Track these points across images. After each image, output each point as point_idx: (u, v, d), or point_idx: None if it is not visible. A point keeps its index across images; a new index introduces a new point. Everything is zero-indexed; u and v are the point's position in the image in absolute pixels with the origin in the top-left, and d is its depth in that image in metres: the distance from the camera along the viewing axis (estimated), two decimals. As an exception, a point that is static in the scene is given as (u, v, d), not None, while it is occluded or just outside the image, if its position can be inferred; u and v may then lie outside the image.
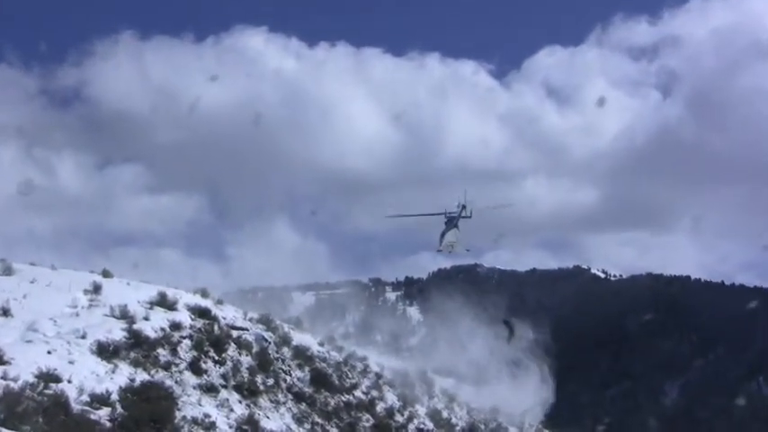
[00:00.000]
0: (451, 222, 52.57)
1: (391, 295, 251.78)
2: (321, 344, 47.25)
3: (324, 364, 43.67)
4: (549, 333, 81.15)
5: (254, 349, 39.45)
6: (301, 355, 42.61)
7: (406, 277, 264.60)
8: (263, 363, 38.47)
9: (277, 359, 40.53)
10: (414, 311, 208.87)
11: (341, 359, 46.37)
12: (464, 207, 51.74)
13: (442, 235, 53.45)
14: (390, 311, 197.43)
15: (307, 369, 41.67)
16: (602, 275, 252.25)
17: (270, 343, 41.58)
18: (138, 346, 31.98)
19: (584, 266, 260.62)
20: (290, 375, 40.05)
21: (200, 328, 37.41)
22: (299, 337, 45.19)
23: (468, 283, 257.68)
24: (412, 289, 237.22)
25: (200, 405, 31.03)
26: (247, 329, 41.42)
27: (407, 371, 52.83)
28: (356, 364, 47.32)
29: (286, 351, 42.23)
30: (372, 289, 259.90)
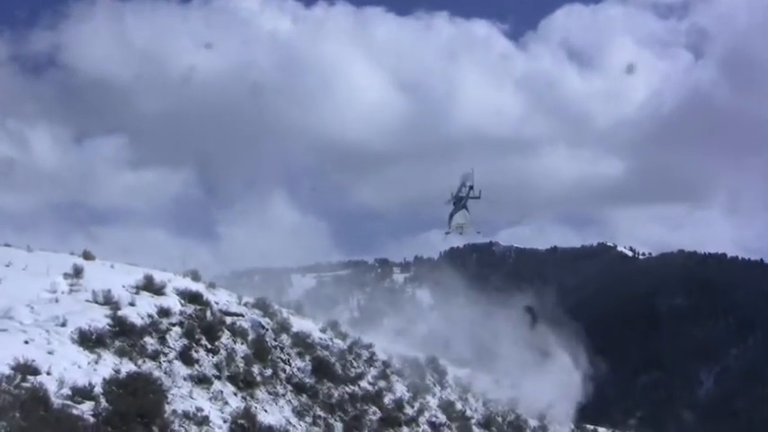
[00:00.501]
0: (459, 203, 53.38)
1: (399, 277, 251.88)
2: (323, 330, 47.26)
3: (326, 353, 43.71)
4: (572, 316, 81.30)
5: (250, 337, 39.51)
6: (301, 342, 42.70)
7: (416, 257, 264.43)
8: (260, 351, 38.53)
9: (275, 347, 40.63)
10: (424, 294, 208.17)
11: (345, 347, 46.41)
12: (471, 187, 52.56)
13: (451, 216, 54.25)
14: (398, 294, 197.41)
15: (307, 358, 41.75)
16: (630, 253, 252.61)
17: (267, 330, 41.60)
18: (123, 335, 31.96)
19: (610, 244, 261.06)
20: (290, 365, 40.19)
21: (190, 315, 37.48)
22: (298, 323, 45.17)
23: (484, 262, 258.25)
24: (422, 270, 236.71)
25: (192, 398, 31.09)
26: (242, 315, 41.45)
27: (417, 359, 52.87)
28: (361, 352, 47.34)
29: (285, 338, 42.33)
30: (379, 270, 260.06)
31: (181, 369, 32.85)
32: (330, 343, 45.62)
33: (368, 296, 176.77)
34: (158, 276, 39.56)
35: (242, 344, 38.27)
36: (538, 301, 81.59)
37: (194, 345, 35.23)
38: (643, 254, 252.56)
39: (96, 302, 34.06)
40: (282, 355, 40.51)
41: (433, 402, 47.92)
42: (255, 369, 36.87)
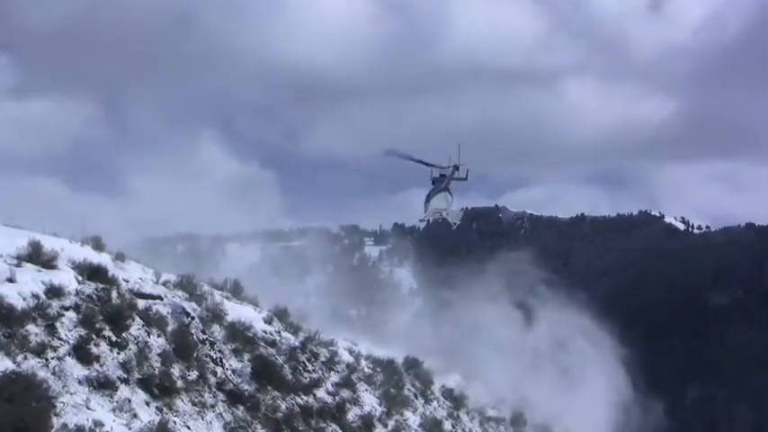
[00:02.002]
0: (440, 183, 54.88)
1: (373, 250, 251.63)
2: (268, 321, 47.23)
3: (272, 351, 43.70)
4: (603, 309, 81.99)
5: (170, 327, 39.48)
6: (239, 336, 42.65)
7: (395, 225, 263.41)
8: (183, 347, 38.49)
9: (203, 342, 40.51)
10: (405, 274, 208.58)
11: (297, 344, 46.29)
12: (457, 167, 54.14)
13: (428, 198, 56.45)
14: (371, 274, 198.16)
15: (246, 357, 41.78)
16: (681, 226, 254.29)
17: (193, 318, 41.50)
18: (-3, 321, 31.60)
19: (655, 213, 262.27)
20: (222, 366, 40.12)
21: (90, 296, 37.25)
22: (235, 311, 45.06)
23: (486, 233, 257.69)
24: (402, 242, 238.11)
25: (89, 408, 30.91)
26: (160, 298, 41.37)
27: (394, 362, 53.02)
28: (319, 350, 47.37)
29: (217, 330, 42.21)
30: (345, 241, 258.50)
31: (75, 369, 32.61)
32: (277, 338, 45.62)
33: (330, 276, 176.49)
34: (48, 243, 39.12)
35: (159, 336, 38.19)
36: (557, 288, 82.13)
37: (94, 336, 34.99)
38: (699, 227, 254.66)
39: (-39, 276, 33.54)
40: (213, 353, 40.38)
41: (413, 420, 47.99)
42: (176, 371, 36.79)
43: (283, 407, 40.23)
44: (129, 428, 31.17)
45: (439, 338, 64.31)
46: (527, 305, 69.08)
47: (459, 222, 59.25)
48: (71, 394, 30.85)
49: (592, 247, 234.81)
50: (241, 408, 38.11)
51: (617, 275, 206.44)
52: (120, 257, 43.79)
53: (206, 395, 37.25)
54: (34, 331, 32.86)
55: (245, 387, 39.58)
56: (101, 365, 33.83)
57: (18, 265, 36.59)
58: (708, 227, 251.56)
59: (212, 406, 36.92)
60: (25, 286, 34.86)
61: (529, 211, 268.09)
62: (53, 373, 31.23)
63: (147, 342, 37.19)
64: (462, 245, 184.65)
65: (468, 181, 55.29)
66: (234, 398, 38.35)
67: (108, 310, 36.84)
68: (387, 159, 55.86)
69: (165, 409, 34.28)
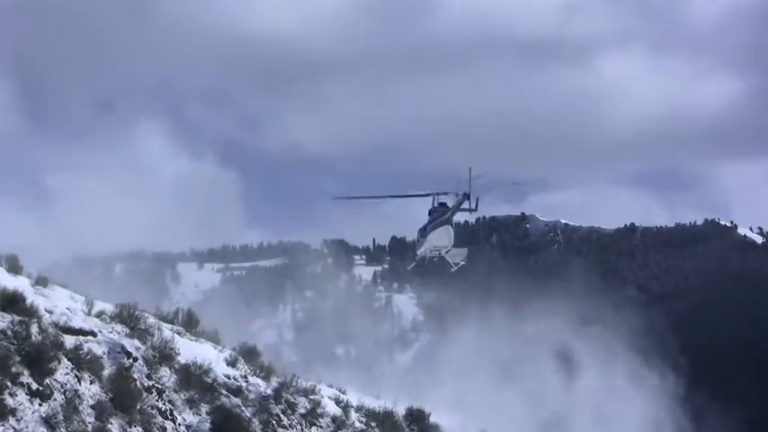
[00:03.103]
0: (441, 215, 54.64)
1: (364, 271, 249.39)
2: (232, 362, 47.30)
3: (237, 400, 43.70)
4: (662, 338, 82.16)
5: (107, 371, 39.38)
6: (195, 382, 42.71)
7: (393, 239, 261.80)
8: (123, 396, 38.30)
9: (149, 390, 40.40)
10: (406, 302, 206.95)
11: (269, 391, 46.29)
12: (467, 196, 53.26)
13: (423, 232, 55.61)
14: (363, 301, 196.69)
15: (205, 409, 41.82)
16: (760, 239, 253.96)
17: (136, 359, 41.43)
18: None
19: (726, 222, 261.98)
20: (174, 420, 40.09)
21: (3, 331, 37.10)
22: (191, 350, 45.19)
23: (510, 248, 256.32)
24: (402, 260, 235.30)
25: (2, 478, 30.82)
26: (94, 334, 41.23)
27: (393, 414, 52.45)
28: (297, 400, 47.30)
29: (166, 375, 42.22)
30: (330, 260, 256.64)
31: (-16, 425, 32.20)
32: (243, 384, 45.76)
33: (310, 304, 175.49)
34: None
35: (92, 383, 38.09)
36: (602, 323, 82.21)
37: (9, 384, 34.88)
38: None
39: None
40: (161, 404, 40.27)
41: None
42: (114, 427, 36.66)
43: (252, 472, 39.74)
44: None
45: (451, 385, 64.05)
46: (566, 349, 68.88)
47: (462, 263, 57.94)
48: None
49: (647, 264, 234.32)
50: (197, 473, 37.64)
51: (678, 302, 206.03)
52: (41, 282, 43.71)
53: (154, 457, 36.75)
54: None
55: (203, 447, 38.84)
56: (18, 421, 33.66)
57: None
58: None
59: (162, 471, 36.54)
60: None
61: (563, 221, 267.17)
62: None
63: (76, 390, 36.96)
64: (481, 264, 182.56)
65: (476, 212, 54.54)
66: (189, 460, 37.89)
67: (27, 350, 36.53)
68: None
69: (100, 476, 34.43)
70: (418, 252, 55.36)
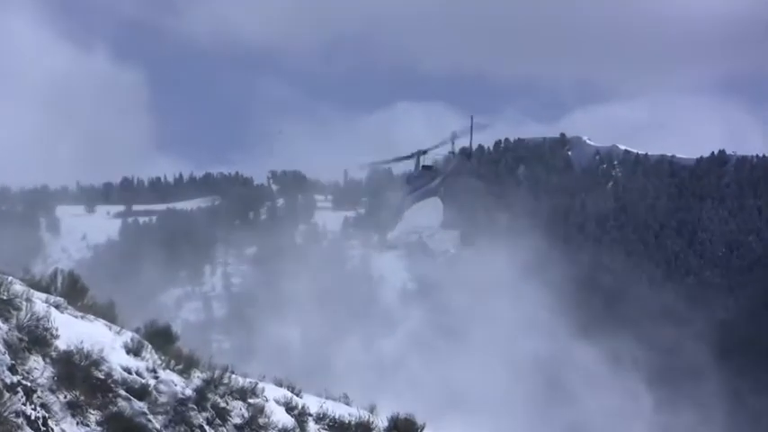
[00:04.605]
0: (428, 179, 57.45)
1: (330, 217, 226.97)
2: (135, 349, 39.19)
3: (141, 405, 36.00)
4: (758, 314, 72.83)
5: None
6: (82, 378, 34.88)
7: (372, 170, 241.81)
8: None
9: (13, 388, 32.54)
10: (391, 263, 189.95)
11: (189, 392, 38.16)
12: (469, 155, 47.31)
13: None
14: (328, 260, 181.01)
15: (94, 417, 34.53)
16: None
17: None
18: None
19: None
20: (53, 427, 33.61)
21: None
22: (75, 331, 36.77)
23: (545, 186, 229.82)
24: (384, 202, 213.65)
25: None
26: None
27: (370, 425, 43.08)
28: (232, 404, 39.58)
29: (38, 367, 33.82)
30: (280, 201, 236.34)
31: None
32: (152, 381, 37.97)
33: (251, 265, 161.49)
34: None
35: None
36: (676, 291, 72.31)
37: None
38: None
39: None
40: (31, 410, 32.51)
41: None
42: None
43: None
44: None
45: (452, 385, 53.50)
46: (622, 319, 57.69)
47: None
48: None
49: (739, 211, 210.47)
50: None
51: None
52: None
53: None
54: None
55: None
56: None
57: None
58: None
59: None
60: None
61: (621, 146, 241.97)
62: None
63: None
64: (501, 200, 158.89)
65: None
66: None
67: None
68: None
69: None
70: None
